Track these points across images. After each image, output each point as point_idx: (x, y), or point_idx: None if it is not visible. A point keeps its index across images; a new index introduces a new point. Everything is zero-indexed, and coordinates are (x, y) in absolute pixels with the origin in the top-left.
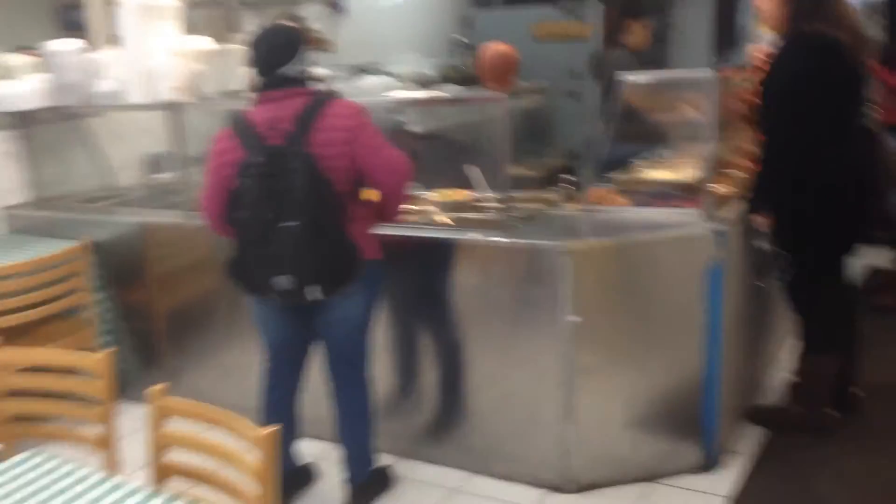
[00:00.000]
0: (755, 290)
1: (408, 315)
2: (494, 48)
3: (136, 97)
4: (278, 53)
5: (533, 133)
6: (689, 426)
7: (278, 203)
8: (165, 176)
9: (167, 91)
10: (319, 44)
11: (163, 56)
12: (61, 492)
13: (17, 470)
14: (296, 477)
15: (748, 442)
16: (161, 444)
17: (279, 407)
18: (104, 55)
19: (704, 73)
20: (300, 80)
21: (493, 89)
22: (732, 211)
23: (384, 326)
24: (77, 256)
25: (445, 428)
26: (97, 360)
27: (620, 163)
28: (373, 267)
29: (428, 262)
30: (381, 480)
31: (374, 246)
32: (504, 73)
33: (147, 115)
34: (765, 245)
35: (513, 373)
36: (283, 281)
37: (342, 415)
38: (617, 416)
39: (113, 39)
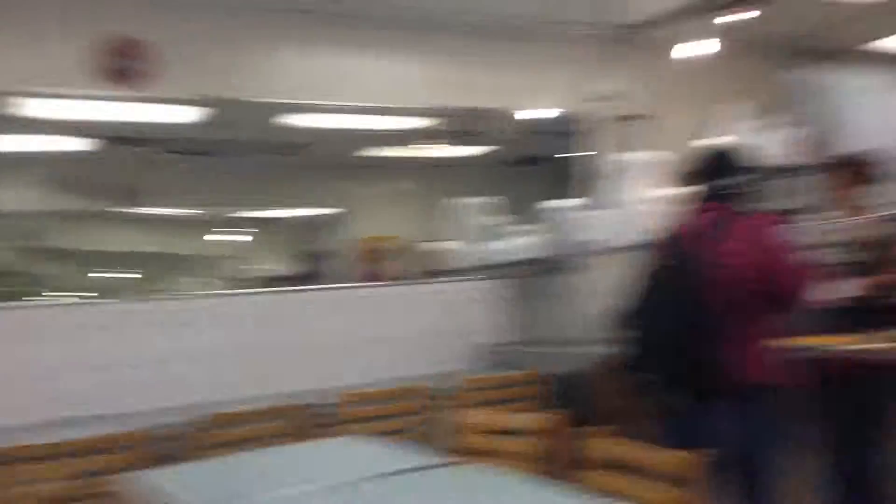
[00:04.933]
0: None
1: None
2: None
3: (620, 242)
4: (712, 171)
5: None
6: None
7: (676, 305)
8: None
9: (653, 234)
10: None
11: (650, 205)
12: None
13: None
14: None
15: None
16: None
17: None
18: (596, 213)
19: None
20: (728, 196)
21: None
22: None
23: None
24: (534, 380)
25: None
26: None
27: None
28: (772, 391)
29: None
30: None
31: (773, 369)
32: None
33: (621, 275)
34: None
35: None
36: (660, 377)
37: None
38: None
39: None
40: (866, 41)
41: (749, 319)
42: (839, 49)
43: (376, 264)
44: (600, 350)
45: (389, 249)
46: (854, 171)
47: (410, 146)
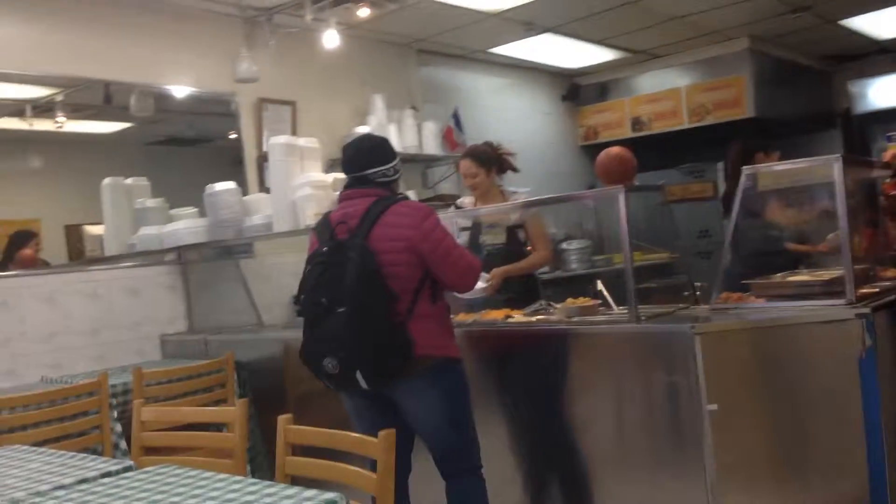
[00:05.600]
0: None
1: (532, 414)
2: (612, 151)
3: (282, 227)
4: (362, 157)
5: (653, 230)
6: None
7: (333, 289)
8: None
9: (311, 218)
10: (507, 164)
11: (306, 189)
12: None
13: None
14: None
15: None
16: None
17: None
18: (256, 196)
19: (831, 158)
20: (377, 183)
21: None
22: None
23: (508, 425)
24: (222, 368)
25: None
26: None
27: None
28: (447, 365)
29: (552, 357)
30: None
31: (446, 344)
32: (622, 173)
33: (294, 260)
34: None
35: (649, 474)
36: (328, 363)
37: None
38: None
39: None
40: (484, 47)
41: (418, 299)
42: (462, 52)
43: (21, 250)
44: (284, 335)
45: (34, 234)
46: (489, 161)
47: (29, 119)
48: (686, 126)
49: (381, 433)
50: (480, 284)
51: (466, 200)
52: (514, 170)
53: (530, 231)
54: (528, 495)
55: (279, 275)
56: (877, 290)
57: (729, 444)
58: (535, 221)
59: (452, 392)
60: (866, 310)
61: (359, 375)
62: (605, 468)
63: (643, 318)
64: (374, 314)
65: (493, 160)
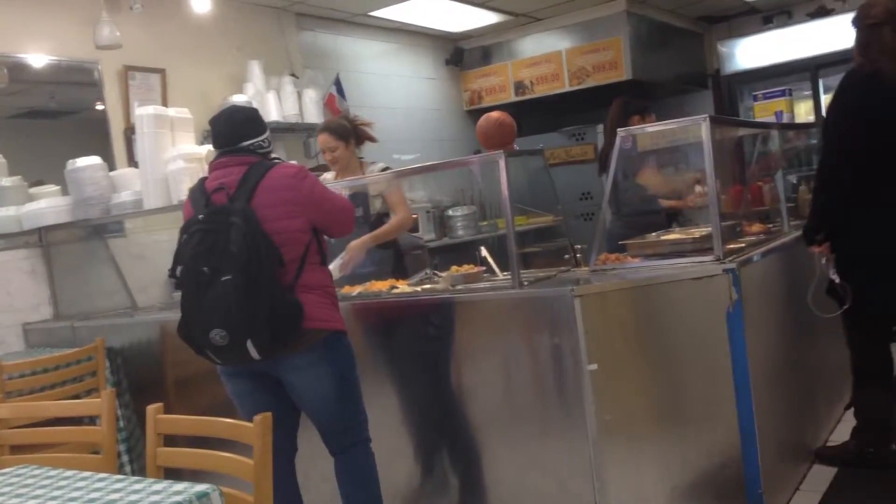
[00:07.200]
0: (801, 328)
1: (419, 383)
2: (492, 116)
3: (153, 203)
4: (235, 131)
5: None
6: (732, 483)
7: (216, 257)
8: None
9: (184, 193)
10: (365, 135)
11: (179, 163)
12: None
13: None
14: None
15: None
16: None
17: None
18: (124, 171)
19: (699, 119)
20: (251, 151)
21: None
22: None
23: (396, 396)
24: (92, 356)
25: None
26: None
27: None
28: (335, 338)
29: (437, 326)
30: None
31: (333, 317)
32: (501, 137)
33: (169, 237)
34: (831, 275)
35: (535, 436)
36: (216, 335)
37: (342, 487)
38: (649, 478)
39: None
40: (366, 10)
41: (304, 266)
42: (343, 16)
43: None
44: (161, 317)
45: None
46: (346, 133)
47: None
48: (567, 89)
49: (257, 417)
50: (337, 262)
51: (328, 176)
52: (373, 140)
53: (388, 197)
54: (419, 465)
55: (153, 254)
56: (743, 245)
57: (609, 402)
58: (391, 187)
59: (340, 365)
60: (733, 265)
61: (249, 345)
62: (492, 432)
63: (525, 283)
64: (263, 280)
65: (350, 133)
